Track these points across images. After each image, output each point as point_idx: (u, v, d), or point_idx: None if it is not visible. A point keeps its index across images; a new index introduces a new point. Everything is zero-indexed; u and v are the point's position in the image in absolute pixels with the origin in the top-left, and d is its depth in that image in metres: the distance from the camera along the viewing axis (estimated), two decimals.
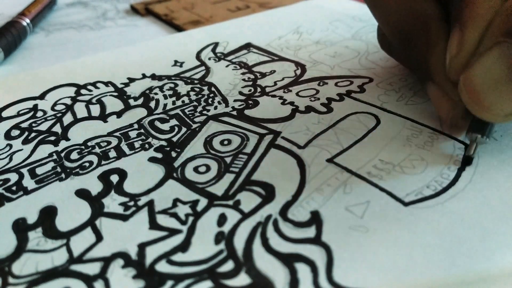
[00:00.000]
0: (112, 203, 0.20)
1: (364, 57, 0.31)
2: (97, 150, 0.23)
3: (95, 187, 0.21)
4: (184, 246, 0.18)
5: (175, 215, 0.19)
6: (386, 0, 0.22)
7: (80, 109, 0.27)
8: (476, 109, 0.19)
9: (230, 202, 0.19)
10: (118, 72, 0.31)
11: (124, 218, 0.19)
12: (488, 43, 0.18)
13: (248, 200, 0.20)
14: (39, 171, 0.22)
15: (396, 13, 0.22)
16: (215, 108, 0.26)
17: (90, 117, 0.26)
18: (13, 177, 0.22)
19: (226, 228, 0.18)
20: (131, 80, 0.30)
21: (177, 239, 0.18)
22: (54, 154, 0.23)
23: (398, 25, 0.23)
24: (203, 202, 0.20)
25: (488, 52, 0.18)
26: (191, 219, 0.19)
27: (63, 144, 0.24)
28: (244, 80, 0.29)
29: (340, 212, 0.19)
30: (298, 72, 0.29)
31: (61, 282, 0.17)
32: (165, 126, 0.25)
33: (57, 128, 0.26)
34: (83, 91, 0.29)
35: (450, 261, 0.16)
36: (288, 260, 0.17)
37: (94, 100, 0.28)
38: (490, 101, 0.18)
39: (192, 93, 0.28)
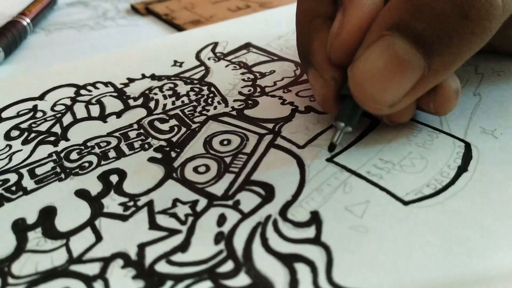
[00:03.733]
0: (112, 203, 0.20)
1: None
2: (97, 150, 0.23)
3: (95, 187, 0.21)
4: (183, 246, 0.18)
5: (174, 215, 0.19)
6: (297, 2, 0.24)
7: (80, 110, 0.27)
8: (362, 101, 0.20)
9: (230, 202, 0.19)
10: (118, 73, 0.31)
11: (123, 218, 0.19)
12: (373, 36, 0.19)
13: (247, 200, 0.19)
14: (38, 171, 0.22)
15: (298, 11, 0.24)
16: (215, 108, 0.26)
17: (89, 118, 0.26)
18: (13, 177, 0.22)
19: (226, 228, 0.18)
20: (131, 80, 0.30)
21: (177, 239, 0.18)
22: (53, 154, 0.23)
23: (297, 23, 0.24)
24: (202, 202, 0.20)
25: (372, 45, 0.19)
26: (190, 219, 0.19)
27: (62, 144, 0.24)
28: (243, 80, 0.29)
29: (340, 212, 0.19)
30: (298, 72, 0.29)
31: (60, 282, 0.17)
32: (165, 126, 0.25)
33: (57, 129, 0.26)
34: (82, 92, 0.29)
35: (450, 261, 0.16)
36: (288, 260, 0.17)
37: (93, 101, 0.28)
38: (372, 93, 0.19)
39: (191, 93, 0.28)
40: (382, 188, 0.20)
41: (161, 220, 0.19)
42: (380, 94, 0.19)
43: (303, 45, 0.24)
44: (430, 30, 0.18)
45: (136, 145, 0.24)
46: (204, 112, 0.26)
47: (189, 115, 0.26)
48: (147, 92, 0.28)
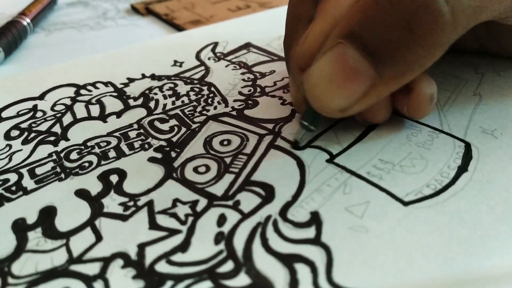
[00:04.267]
0: (112, 203, 0.20)
1: None
2: (97, 150, 0.23)
3: (95, 187, 0.21)
4: (183, 246, 0.18)
5: (174, 215, 0.19)
6: (288, 2, 0.25)
7: (80, 109, 0.27)
8: (313, 103, 0.20)
9: (230, 203, 0.19)
10: (118, 72, 0.31)
11: (123, 218, 0.19)
12: (329, 44, 0.20)
13: (247, 200, 0.19)
14: (38, 171, 0.22)
15: (287, 15, 0.25)
16: (215, 108, 0.26)
17: (89, 117, 0.26)
18: (13, 177, 0.22)
19: (226, 228, 0.18)
20: (131, 80, 0.30)
21: (177, 239, 0.18)
22: (53, 154, 0.23)
23: (285, 24, 0.25)
24: (202, 202, 0.20)
25: (327, 51, 0.19)
26: (190, 219, 0.19)
27: (62, 144, 0.24)
28: (243, 80, 0.29)
29: (340, 213, 0.19)
30: None
31: (60, 282, 0.17)
32: (165, 126, 0.25)
33: (57, 128, 0.26)
34: (82, 91, 0.29)
35: (450, 261, 0.16)
36: (288, 260, 0.17)
37: (93, 100, 0.28)
38: (322, 97, 0.20)
39: (191, 93, 0.28)
40: (382, 189, 0.20)
41: (161, 220, 0.19)
42: (329, 100, 0.20)
43: (285, 49, 0.25)
44: (378, 40, 0.18)
45: (136, 145, 0.24)
46: (204, 112, 0.26)
47: (189, 115, 0.26)
48: (147, 92, 0.28)
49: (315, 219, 0.18)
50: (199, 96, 0.28)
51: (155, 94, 0.28)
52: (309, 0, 0.23)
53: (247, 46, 0.34)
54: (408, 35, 0.18)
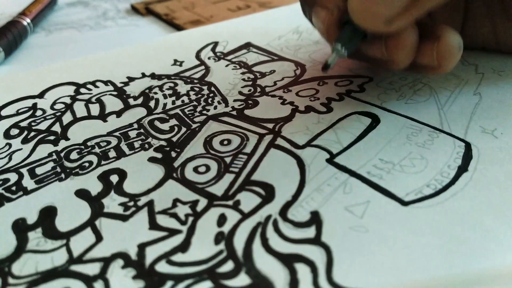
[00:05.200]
0: (112, 203, 0.20)
1: None
2: (97, 150, 0.23)
3: (95, 187, 0.21)
4: (184, 246, 0.18)
5: (175, 215, 0.19)
6: None
7: (80, 108, 0.27)
8: (359, 17, 0.20)
9: (230, 202, 0.19)
10: (118, 71, 0.31)
11: (124, 218, 0.19)
12: None
13: (248, 200, 0.19)
14: (38, 171, 0.22)
15: None
16: (215, 108, 0.26)
17: (89, 117, 0.26)
18: (13, 177, 0.22)
19: (226, 228, 0.18)
20: (131, 79, 0.30)
21: (177, 239, 0.18)
22: (53, 154, 0.23)
23: None
24: (203, 202, 0.20)
25: None
26: (191, 219, 0.19)
27: (62, 143, 0.24)
28: (244, 80, 0.29)
29: (340, 212, 0.19)
30: (298, 72, 0.29)
31: (61, 282, 0.17)
32: (165, 126, 0.25)
33: (57, 128, 0.26)
34: (82, 90, 0.29)
35: (450, 261, 0.16)
36: (288, 260, 0.17)
37: (93, 99, 0.28)
38: (368, 6, 0.20)
39: (191, 93, 0.28)
40: (382, 189, 0.20)
41: (161, 220, 0.19)
42: (376, 6, 0.20)
43: None
44: None
45: (136, 145, 0.24)
46: (204, 112, 0.26)
47: (189, 115, 0.26)
48: (147, 91, 0.28)
49: (315, 219, 0.18)
50: (199, 95, 0.28)
51: (155, 93, 0.28)
52: None
53: (247, 45, 0.34)
54: None
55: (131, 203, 0.20)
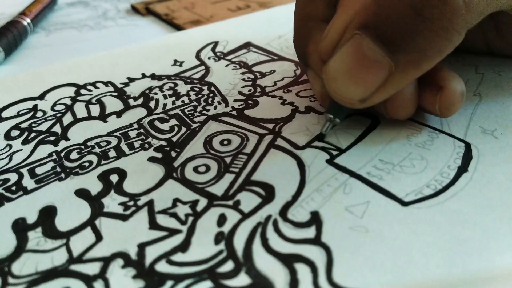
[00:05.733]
0: (112, 203, 0.20)
1: None
2: (97, 150, 0.23)
3: (95, 187, 0.21)
4: (184, 246, 0.18)
5: (175, 215, 0.19)
6: (295, 3, 0.25)
7: (80, 109, 0.27)
8: (334, 96, 0.21)
9: (230, 202, 0.19)
10: (118, 72, 0.31)
11: (124, 218, 0.19)
12: (347, 36, 0.20)
13: (248, 200, 0.19)
14: (38, 171, 0.22)
15: (295, 15, 0.25)
16: (215, 108, 0.26)
17: (90, 117, 0.26)
18: (13, 177, 0.22)
19: (226, 228, 0.18)
20: (131, 80, 0.30)
21: (177, 239, 0.18)
22: (53, 154, 0.23)
23: (295, 24, 0.25)
24: (203, 202, 0.20)
25: (345, 44, 0.20)
26: (191, 219, 0.19)
27: (62, 144, 0.24)
28: (244, 80, 0.29)
29: (340, 213, 0.19)
30: (298, 72, 0.29)
31: (61, 282, 0.17)
32: (165, 126, 0.25)
33: (57, 128, 0.26)
34: (82, 91, 0.29)
35: (450, 261, 0.16)
36: (288, 260, 0.17)
37: (93, 100, 0.28)
38: (342, 89, 0.20)
39: (191, 93, 0.28)
40: (382, 189, 0.20)
41: (161, 220, 0.19)
42: (348, 91, 0.20)
43: (300, 47, 0.25)
44: (392, 29, 0.19)
45: (136, 144, 0.24)
46: (204, 112, 0.26)
47: (189, 115, 0.26)
48: (147, 91, 0.28)
49: (315, 219, 0.18)
50: (199, 95, 0.28)
51: (155, 93, 0.28)
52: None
53: (247, 45, 0.34)
54: (420, 21, 0.18)
55: (131, 203, 0.20)
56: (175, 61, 0.32)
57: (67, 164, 0.23)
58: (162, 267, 0.17)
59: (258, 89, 0.28)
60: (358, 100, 0.20)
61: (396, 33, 0.19)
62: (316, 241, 0.17)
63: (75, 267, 0.17)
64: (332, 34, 0.21)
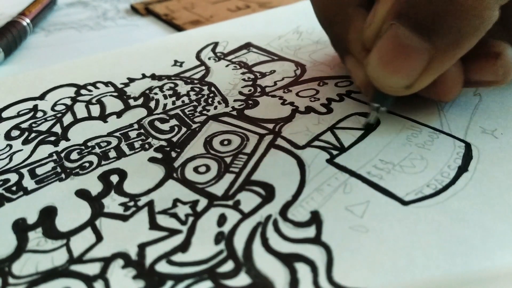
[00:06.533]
0: (112, 203, 0.20)
1: None
2: (97, 150, 0.23)
3: (95, 187, 0.21)
4: (184, 246, 0.18)
5: (175, 215, 0.19)
6: None
7: (80, 109, 0.27)
8: (379, 85, 0.21)
9: (230, 202, 0.19)
10: (118, 72, 0.31)
11: (124, 218, 0.19)
12: (386, 26, 0.20)
13: (248, 200, 0.20)
14: (39, 171, 0.22)
15: (319, 2, 0.26)
16: (215, 108, 0.26)
17: (90, 117, 0.26)
18: (13, 177, 0.22)
19: (226, 228, 0.18)
20: (131, 80, 0.30)
21: (177, 239, 0.18)
22: (54, 154, 0.23)
23: (323, 10, 0.26)
24: (203, 202, 0.20)
25: (383, 34, 0.20)
26: (191, 219, 0.19)
27: (63, 144, 0.24)
28: (244, 80, 0.29)
29: (340, 212, 0.19)
30: (298, 72, 0.29)
31: (61, 282, 0.17)
32: (165, 126, 0.25)
33: (57, 129, 0.26)
34: (83, 91, 0.29)
35: (450, 261, 0.16)
36: (288, 260, 0.17)
37: (94, 100, 0.28)
38: (385, 79, 0.21)
39: (192, 93, 0.28)
40: (382, 189, 0.20)
41: (162, 220, 0.19)
42: (392, 80, 0.20)
43: (338, 35, 0.25)
44: (423, 14, 0.19)
45: (137, 145, 0.24)
46: (205, 112, 0.26)
47: (190, 115, 0.26)
48: (147, 92, 0.28)
49: (315, 219, 0.18)
50: (200, 96, 0.28)
51: (156, 94, 0.28)
52: None
53: (247, 46, 0.34)
54: (448, 2, 0.18)
55: (131, 203, 0.20)
56: (175, 61, 0.32)
57: (67, 164, 0.23)
58: (162, 267, 0.17)
59: (258, 89, 0.28)
60: (403, 87, 0.20)
61: (428, 17, 0.19)
62: (316, 240, 0.17)
63: (75, 268, 0.17)
64: (376, 23, 0.21)
